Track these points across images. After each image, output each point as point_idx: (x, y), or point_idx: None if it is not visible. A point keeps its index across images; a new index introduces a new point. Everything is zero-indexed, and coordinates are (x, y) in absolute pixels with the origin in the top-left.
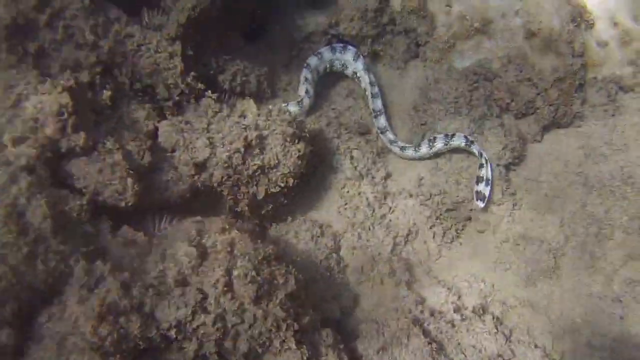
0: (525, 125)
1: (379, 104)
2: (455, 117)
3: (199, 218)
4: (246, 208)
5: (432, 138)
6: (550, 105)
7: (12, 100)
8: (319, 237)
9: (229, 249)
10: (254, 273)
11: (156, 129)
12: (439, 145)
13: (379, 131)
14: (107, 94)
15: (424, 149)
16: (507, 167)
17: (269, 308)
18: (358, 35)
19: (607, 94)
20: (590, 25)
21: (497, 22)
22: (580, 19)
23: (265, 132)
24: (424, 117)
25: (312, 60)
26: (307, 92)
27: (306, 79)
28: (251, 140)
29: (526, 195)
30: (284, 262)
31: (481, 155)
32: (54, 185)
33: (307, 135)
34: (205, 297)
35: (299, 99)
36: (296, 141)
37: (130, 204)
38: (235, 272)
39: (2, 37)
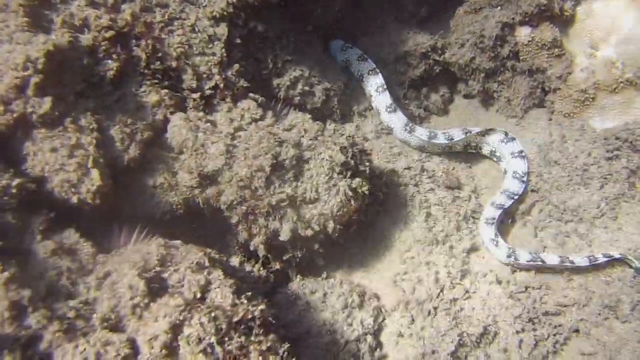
0: None
1: (521, 188)
2: (581, 189)
3: (176, 243)
4: (262, 247)
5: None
6: None
7: None
8: (354, 308)
9: (195, 296)
10: (213, 340)
11: (167, 121)
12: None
13: (491, 222)
14: (111, 64)
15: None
16: None
17: None
18: (468, 67)
19: None
20: None
21: None
22: None
23: (308, 154)
24: (538, 183)
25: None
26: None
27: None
28: (284, 160)
29: None
30: (273, 335)
31: None
32: None
33: (367, 170)
34: (134, 354)
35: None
36: (348, 174)
37: (86, 202)
38: (186, 332)
39: None
